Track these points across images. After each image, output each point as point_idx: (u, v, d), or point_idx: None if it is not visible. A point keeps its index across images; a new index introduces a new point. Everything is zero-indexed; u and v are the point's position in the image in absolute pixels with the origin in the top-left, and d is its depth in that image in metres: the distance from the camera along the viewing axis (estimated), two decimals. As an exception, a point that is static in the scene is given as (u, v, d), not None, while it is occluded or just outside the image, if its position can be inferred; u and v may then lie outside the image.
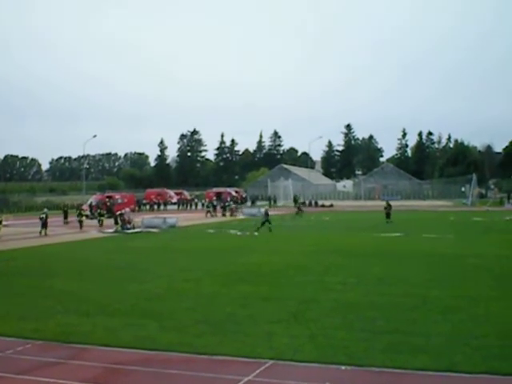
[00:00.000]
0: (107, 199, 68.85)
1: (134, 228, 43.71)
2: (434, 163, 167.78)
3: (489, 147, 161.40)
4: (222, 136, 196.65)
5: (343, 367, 10.06)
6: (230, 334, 12.27)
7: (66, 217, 55.75)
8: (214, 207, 66.92)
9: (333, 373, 9.85)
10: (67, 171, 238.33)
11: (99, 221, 49.02)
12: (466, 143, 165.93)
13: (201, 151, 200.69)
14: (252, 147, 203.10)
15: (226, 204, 69.19)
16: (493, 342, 11.26)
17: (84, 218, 48.30)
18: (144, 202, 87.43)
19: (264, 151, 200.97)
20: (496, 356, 10.36)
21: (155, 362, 10.73)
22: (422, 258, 24.77)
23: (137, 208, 76.40)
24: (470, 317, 13.34)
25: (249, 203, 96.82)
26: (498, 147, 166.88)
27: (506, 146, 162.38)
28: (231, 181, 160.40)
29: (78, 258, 27.15)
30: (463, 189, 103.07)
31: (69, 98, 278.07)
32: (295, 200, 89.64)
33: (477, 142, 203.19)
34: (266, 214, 42.31)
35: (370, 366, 10.05)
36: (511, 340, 11.35)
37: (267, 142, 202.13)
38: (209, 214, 63.62)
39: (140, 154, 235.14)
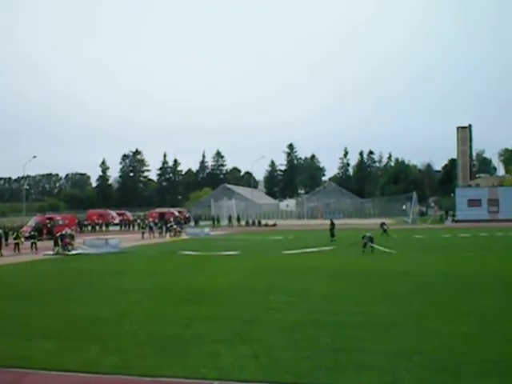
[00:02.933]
0: (48, 221, 67.75)
1: (74, 249, 43.03)
2: (376, 182, 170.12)
3: (428, 166, 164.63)
4: (165, 156, 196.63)
5: (288, 386, 10.01)
6: (173, 355, 12.10)
7: (6, 239, 54.45)
8: (151, 228, 65.93)
9: (278, 392, 9.79)
10: (7, 192, 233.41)
11: (32, 244, 45.66)
12: (406, 162, 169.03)
13: (143, 171, 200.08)
14: (195, 167, 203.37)
15: (169, 224, 68.67)
16: (436, 357, 11.36)
17: (23, 239, 47.11)
18: (86, 223, 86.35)
19: (207, 171, 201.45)
20: (439, 371, 10.45)
21: (97, 385, 10.51)
22: (365, 275, 24.99)
23: (78, 229, 75.22)
24: (414, 333, 13.46)
25: (192, 223, 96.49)
26: (438, 166, 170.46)
27: (445, 165, 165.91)
28: (174, 201, 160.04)
29: (16, 281, 26.58)
30: (404, 207, 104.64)
31: (7, 118, 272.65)
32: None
33: (417, 160, 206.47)
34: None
35: (315, 385, 10.03)
36: (453, 356, 11.46)
37: (210, 162, 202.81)
38: (146, 235, 62.94)
39: (81, 174, 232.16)
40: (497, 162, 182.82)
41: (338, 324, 14.72)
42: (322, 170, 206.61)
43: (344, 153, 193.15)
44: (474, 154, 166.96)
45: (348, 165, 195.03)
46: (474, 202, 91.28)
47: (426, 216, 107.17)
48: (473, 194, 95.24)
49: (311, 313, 16.40)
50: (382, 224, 55.35)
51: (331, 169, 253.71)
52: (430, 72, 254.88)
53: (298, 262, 31.67)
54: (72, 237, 46.02)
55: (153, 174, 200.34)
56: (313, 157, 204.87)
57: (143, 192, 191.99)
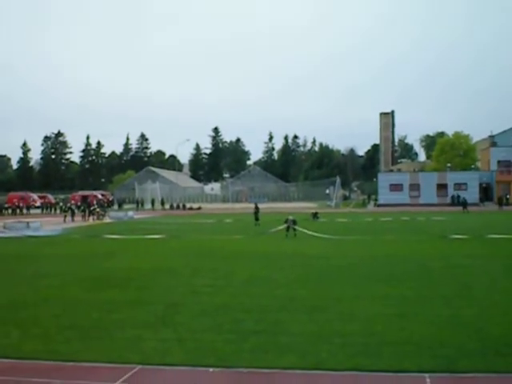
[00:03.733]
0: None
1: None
2: (300, 166, 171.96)
3: (352, 151, 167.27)
4: (88, 138, 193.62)
5: (211, 369, 10.07)
6: (96, 340, 12.00)
7: None
8: (73, 211, 64.97)
9: (201, 375, 9.84)
10: None
11: None
12: (330, 147, 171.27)
13: (66, 153, 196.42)
14: (119, 150, 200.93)
15: (92, 208, 67.74)
16: (357, 339, 11.59)
17: None
18: (6, 206, 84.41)
19: (131, 154, 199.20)
20: (360, 353, 10.68)
21: (20, 370, 10.33)
22: (288, 259, 25.25)
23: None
24: (335, 316, 13.68)
25: (116, 206, 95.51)
26: (361, 151, 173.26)
27: (368, 150, 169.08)
28: (97, 184, 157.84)
29: None
30: (327, 191, 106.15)
31: None
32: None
33: (341, 145, 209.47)
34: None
35: (239, 367, 10.11)
36: (374, 337, 11.72)
37: (134, 145, 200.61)
38: (67, 219, 61.99)
39: (1, 156, 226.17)
40: (418, 148, 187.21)
41: (260, 307, 14.84)
42: (247, 154, 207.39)
43: (269, 137, 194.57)
44: (397, 139, 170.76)
45: (273, 149, 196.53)
46: (395, 187, 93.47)
47: (348, 200, 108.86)
48: (395, 178, 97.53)
49: (235, 296, 16.49)
50: (315, 214, 55.84)
51: (256, 153, 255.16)
52: (355, 57, 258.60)
53: (223, 245, 31.77)
54: None
55: (76, 157, 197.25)
56: (238, 140, 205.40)
57: (65, 175, 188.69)
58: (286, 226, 37.77)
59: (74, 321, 13.80)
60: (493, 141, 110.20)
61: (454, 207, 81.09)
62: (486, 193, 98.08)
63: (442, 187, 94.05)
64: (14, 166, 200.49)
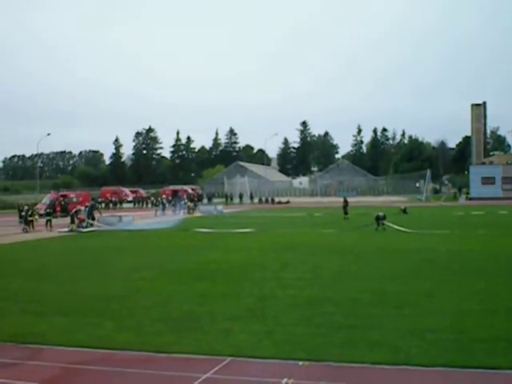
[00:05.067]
0: (61, 198, 68.06)
1: (90, 226, 43.42)
2: (389, 159, 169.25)
3: (442, 143, 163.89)
4: (178, 133, 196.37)
5: (301, 362, 10.11)
6: (188, 332, 12.23)
7: (20, 216, 54.56)
8: (164, 205, 66.09)
9: (291, 368, 9.89)
10: (21, 170, 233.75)
11: (47, 222, 45.49)
12: (420, 139, 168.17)
13: (156, 149, 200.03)
14: (208, 144, 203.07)
15: (183, 202, 68.75)
16: (448, 335, 11.43)
17: (37, 217, 47.05)
18: (99, 200, 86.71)
19: (220, 148, 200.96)
20: (451, 349, 10.53)
21: (113, 361, 10.66)
22: (376, 253, 25.04)
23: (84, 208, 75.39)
24: (426, 311, 13.52)
25: (205, 201, 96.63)
26: (452, 143, 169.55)
27: (459, 142, 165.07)
28: (187, 178, 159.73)
29: (32, 258, 26.83)
30: (417, 184, 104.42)
31: (18, 98, 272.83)
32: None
33: (431, 138, 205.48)
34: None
35: (328, 361, 10.13)
36: (465, 334, 11.54)
37: (223, 140, 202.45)
38: (159, 212, 63.17)
39: (95, 152, 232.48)
40: (511, 140, 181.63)
41: (350, 301, 14.81)
42: (335, 148, 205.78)
43: (357, 130, 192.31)
44: (488, 131, 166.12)
45: (361, 142, 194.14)
46: (487, 180, 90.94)
47: (439, 194, 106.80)
48: (487, 171, 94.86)
49: (324, 290, 16.50)
50: (404, 209, 55.15)
51: (344, 146, 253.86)
52: (450, 50, 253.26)
53: (312, 239, 31.75)
54: (97, 209, 48.89)
55: (166, 152, 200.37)
56: (326, 134, 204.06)
57: (156, 169, 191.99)
58: (376, 222, 37.47)
59: (166, 313, 14.11)
60: None
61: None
62: None
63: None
64: (107, 162, 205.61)
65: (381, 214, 38.32)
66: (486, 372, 9.42)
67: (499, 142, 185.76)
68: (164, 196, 77.88)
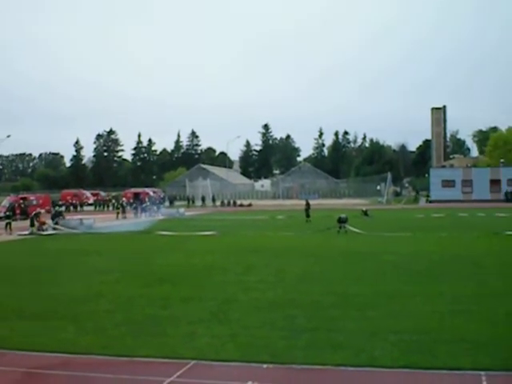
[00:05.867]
0: (21, 200, 67.17)
1: (50, 229, 42.92)
2: (350, 162, 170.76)
3: (403, 146, 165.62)
4: (139, 136, 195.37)
5: (265, 365, 10.11)
6: (150, 336, 12.15)
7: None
8: (124, 208, 65.65)
9: (255, 371, 9.88)
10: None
11: (7, 225, 43.87)
12: (381, 143, 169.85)
13: (118, 151, 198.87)
14: (170, 147, 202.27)
15: (144, 205, 68.41)
16: (410, 337, 11.52)
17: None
18: (60, 203, 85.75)
19: (182, 151, 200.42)
20: (414, 350, 10.62)
21: (75, 365, 10.54)
22: (339, 256, 25.15)
23: (52, 209, 74.74)
24: (389, 313, 13.62)
25: (167, 203, 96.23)
26: (412, 146, 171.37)
27: (420, 146, 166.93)
28: (149, 181, 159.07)
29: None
30: (378, 187, 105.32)
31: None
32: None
33: (391, 141, 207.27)
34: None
35: (292, 364, 10.14)
36: (428, 335, 11.63)
37: (185, 142, 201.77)
38: (120, 215, 62.75)
39: (55, 154, 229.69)
40: (471, 143, 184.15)
41: (313, 304, 14.85)
42: (297, 151, 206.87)
43: (319, 133, 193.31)
44: (448, 135, 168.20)
45: (323, 145, 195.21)
46: (447, 183, 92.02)
47: (400, 196, 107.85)
48: (447, 174, 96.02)
49: (287, 293, 16.52)
50: (365, 211, 55.38)
51: (306, 149, 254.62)
52: (406, 54, 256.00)
53: (275, 242, 31.77)
54: (60, 213, 49.20)
55: (127, 154, 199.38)
56: (288, 137, 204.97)
57: (117, 172, 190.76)
58: (338, 224, 37.70)
59: (129, 316, 14.00)
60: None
61: (508, 203, 79.77)
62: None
63: (495, 183, 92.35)
64: (67, 164, 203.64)
65: (343, 216, 38.54)
66: (449, 373, 9.51)
67: (459, 146, 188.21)
68: (125, 199, 77.31)
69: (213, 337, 11.90)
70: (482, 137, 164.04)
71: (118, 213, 63.52)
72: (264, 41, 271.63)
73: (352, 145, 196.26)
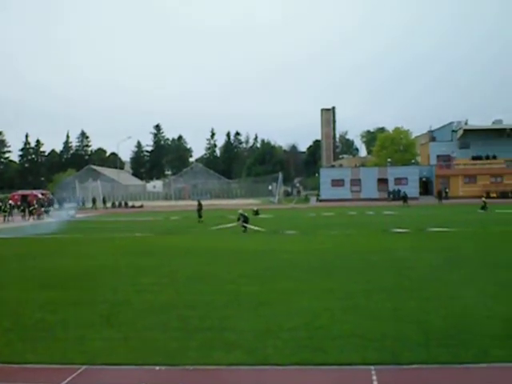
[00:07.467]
0: None
1: None
2: (242, 162, 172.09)
3: (293, 147, 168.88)
4: (27, 137, 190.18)
5: (158, 367, 10.02)
6: (39, 341, 11.80)
7: None
8: (11, 211, 63.78)
9: (148, 373, 9.77)
10: None
11: None
12: (272, 143, 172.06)
13: (4, 152, 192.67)
14: (59, 148, 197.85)
15: (32, 208, 66.59)
16: (303, 334, 11.67)
17: None
18: None
19: (71, 152, 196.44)
20: (305, 347, 10.75)
21: (-41, 375, 10.12)
22: (232, 254, 25.24)
23: None
24: (282, 311, 13.74)
25: (56, 205, 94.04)
26: (303, 147, 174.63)
27: (310, 146, 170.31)
28: (37, 183, 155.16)
29: None
30: (270, 187, 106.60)
31: None
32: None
33: (282, 142, 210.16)
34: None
35: (185, 365, 10.08)
36: (320, 331, 11.82)
37: (74, 143, 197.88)
38: (7, 218, 60.79)
39: None
40: (359, 144, 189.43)
41: (206, 304, 14.81)
42: (189, 151, 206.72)
43: (211, 134, 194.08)
44: (338, 135, 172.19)
45: (215, 146, 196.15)
46: (337, 182, 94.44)
47: (291, 196, 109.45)
48: (336, 174, 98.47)
49: (180, 294, 16.42)
50: (256, 211, 55.96)
51: (198, 150, 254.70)
52: (295, 53, 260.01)
53: (168, 243, 31.58)
54: None
55: (15, 156, 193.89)
56: (180, 138, 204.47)
57: (4, 174, 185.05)
58: (241, 222, 37.97)
59: (17, 322, 13.54)
60: (432, 136, 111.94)
61: (395, 201, 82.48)
62: (425, 187, 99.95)
63: (382, 182, 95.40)
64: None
65: (240, 211, 38.94)
66: (340, 368, 9.68)
67: (348, 146, 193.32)
68: (12, 201, 74.95)
69: (104, 340, 11.68)
70: (370, 137, 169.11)
71: (5, 216, 61.62)
72: (152, 40, 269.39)
73: (244, 145, 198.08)
